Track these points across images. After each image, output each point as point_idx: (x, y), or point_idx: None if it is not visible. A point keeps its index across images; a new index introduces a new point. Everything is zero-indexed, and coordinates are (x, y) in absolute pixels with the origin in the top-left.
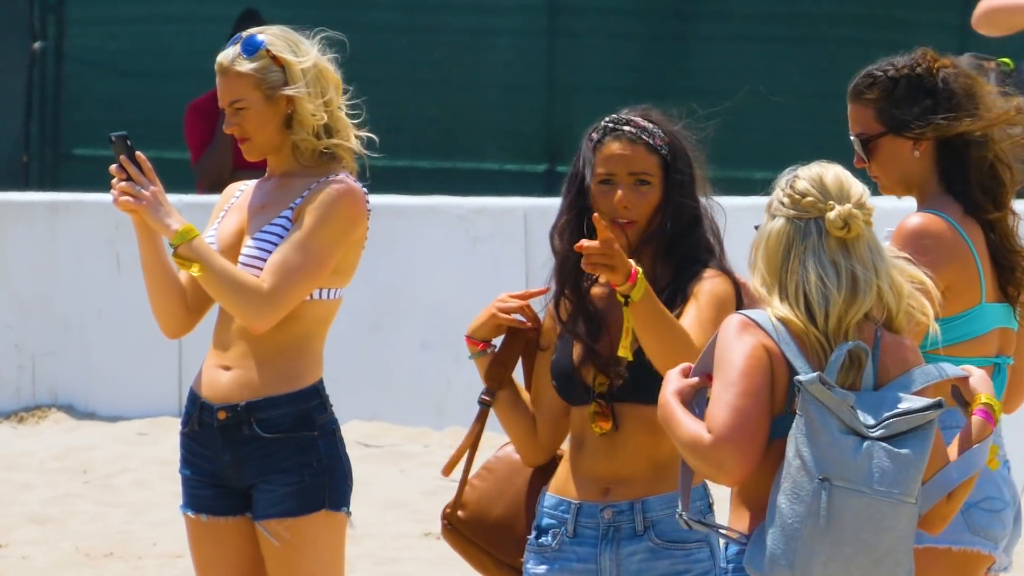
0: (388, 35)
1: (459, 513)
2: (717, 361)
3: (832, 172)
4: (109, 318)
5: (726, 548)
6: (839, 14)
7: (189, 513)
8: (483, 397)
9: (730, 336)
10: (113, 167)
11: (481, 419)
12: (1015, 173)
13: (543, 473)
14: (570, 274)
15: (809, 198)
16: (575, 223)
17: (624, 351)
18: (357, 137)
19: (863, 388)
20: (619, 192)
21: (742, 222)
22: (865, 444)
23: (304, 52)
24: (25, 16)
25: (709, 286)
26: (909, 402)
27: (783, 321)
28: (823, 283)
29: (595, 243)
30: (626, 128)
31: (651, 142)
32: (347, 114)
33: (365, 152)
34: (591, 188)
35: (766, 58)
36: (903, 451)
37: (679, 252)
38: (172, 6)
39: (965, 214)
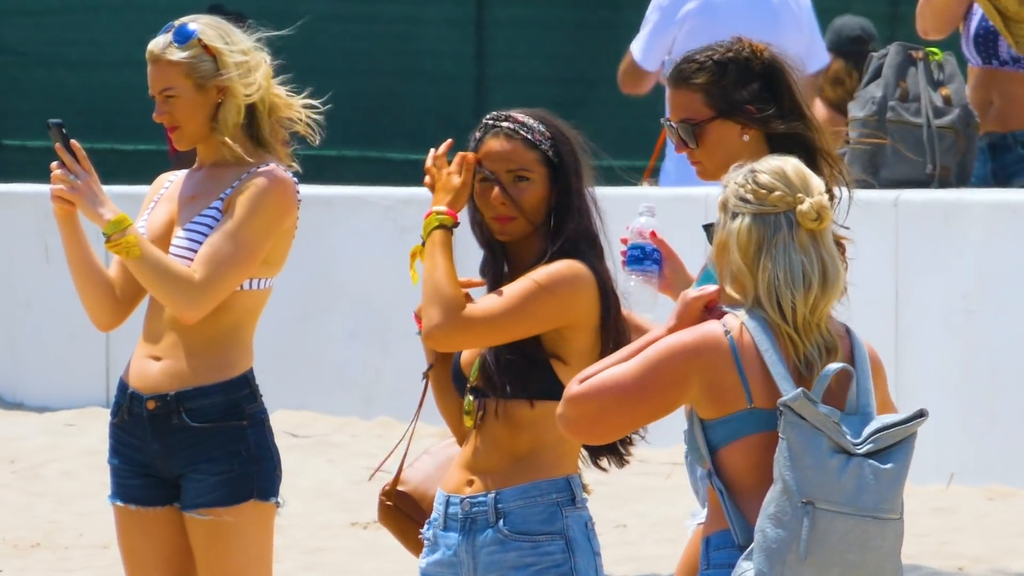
0: (318, 24)
1: (399, 488)
2: (667, 338)
3: (791, 165)
4: (37, 308)
5: (706, 547)
6: None
7: (118, 503)
8: (425, 372)
9: (687, 336)
10: (54, 163)
11: (425, 394)
12: (837, 163)
13: None
14: (485, 270)
15: (777, 192)
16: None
17: (414, 275)
18: (306, 119)
19: (848, 405)
20: (495, 189)
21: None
22: (851, 463)
23: (236, 41)
24: None
25: (551, 266)
26: (890, 416)
27: (765, 321)
28: (798, 277)
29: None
30: (504, 124)
31: (529, 137)
32: (287, 94)
33: (311, 122)
34: (475, 186)
35: None
36: (887, 467)
37: (559, 246)
38: None
39: None
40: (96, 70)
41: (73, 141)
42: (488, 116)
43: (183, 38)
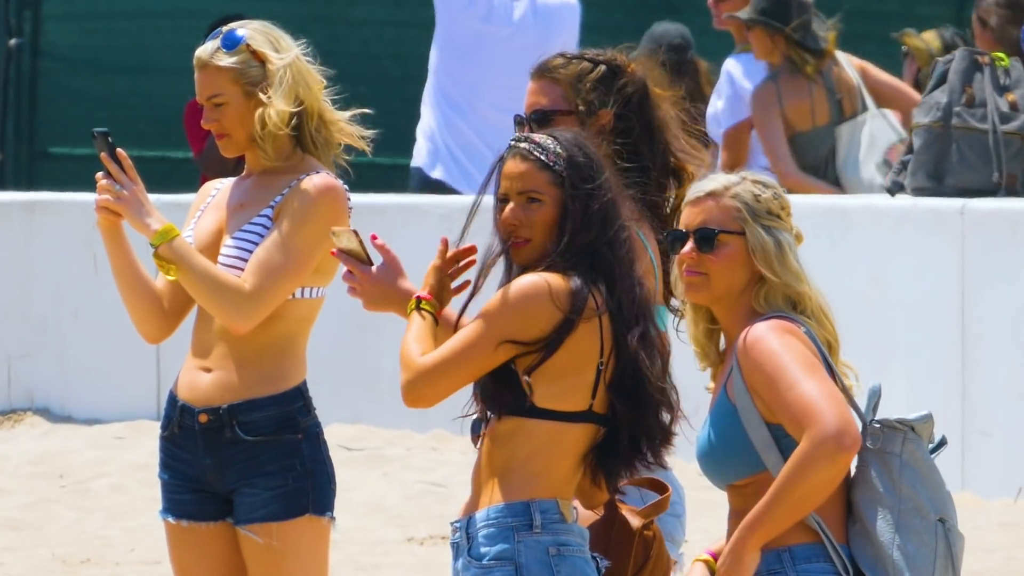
0: (372, 30)
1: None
2: (773, 368)
3: None
4: (86, 319)
5: (791, 560)
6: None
7: (169, 519)
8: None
9: (775, 338)
10: (99, 173)
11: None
12: (689, 175)
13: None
14: None
15: (792, 215)
16: None
17: None
18: (349, 134)
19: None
20: (506, 209)
21: None
22: None
23: (285, 48)
24: (0, 12)
25: (508, 286)
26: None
27: (814, 332)
28: (819, 294)
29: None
30: (522, 146)
31: (543, 159)
32: (338, 109)
33: (363, 143)
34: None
35: None
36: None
37: (579, 268)
38: (149, 2)
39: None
40: (145, 77)
41: (119, 150)
42: (513, 137)
43: (231, 44)
